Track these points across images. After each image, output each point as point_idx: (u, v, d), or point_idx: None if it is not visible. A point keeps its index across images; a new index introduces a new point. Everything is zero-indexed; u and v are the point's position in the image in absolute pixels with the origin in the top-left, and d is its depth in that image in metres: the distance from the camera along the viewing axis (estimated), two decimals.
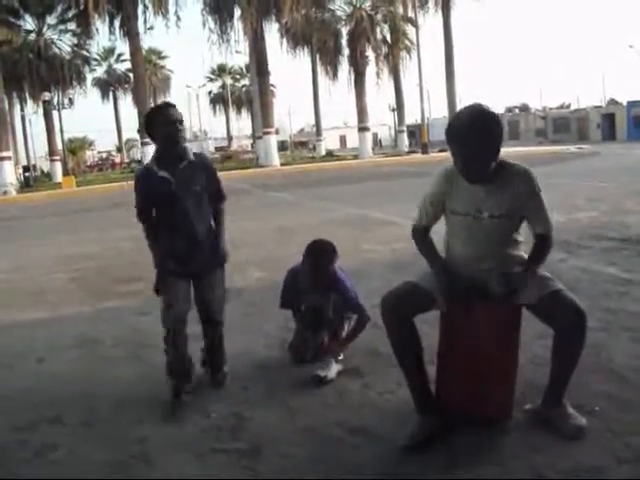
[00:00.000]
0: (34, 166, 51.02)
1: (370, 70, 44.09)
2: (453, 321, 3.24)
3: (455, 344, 3.25)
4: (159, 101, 66.45)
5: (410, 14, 42.39)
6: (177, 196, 3.93)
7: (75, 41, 42.26)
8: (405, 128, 51.52)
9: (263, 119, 37.25)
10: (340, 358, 4.20)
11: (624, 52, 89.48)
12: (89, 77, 49.71)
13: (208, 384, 4.15)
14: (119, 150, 68.98)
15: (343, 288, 4.37)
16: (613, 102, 65.45)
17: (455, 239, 3.32)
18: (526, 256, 3.29)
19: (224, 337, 4.27)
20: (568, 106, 74.69)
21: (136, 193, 4.06)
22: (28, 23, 41.62)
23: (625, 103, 53.96)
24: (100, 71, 61.26)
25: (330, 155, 48.56)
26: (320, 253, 4.34)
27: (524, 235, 3.33)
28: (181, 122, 3.94)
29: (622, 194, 12.71)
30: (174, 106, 4.02)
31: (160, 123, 3.89)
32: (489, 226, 3.16)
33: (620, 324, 4.63)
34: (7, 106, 42.92)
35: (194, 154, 4.06)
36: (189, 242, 4.00)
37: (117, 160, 62.74)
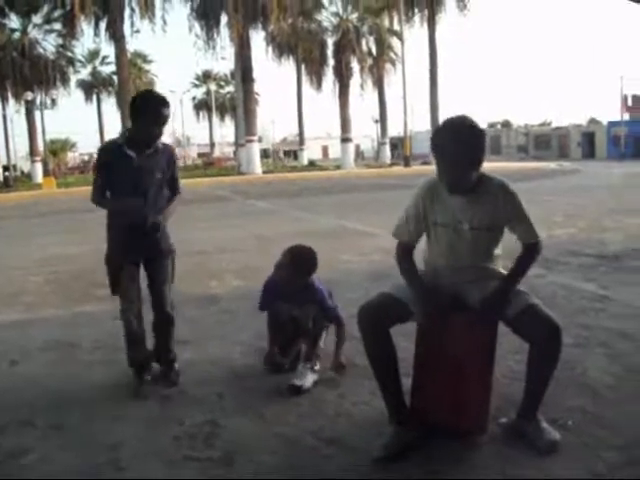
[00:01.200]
0: (14, 166, 50.54)
1: (354, 81, 44.40)
2: (429, 333, 3.25)
3: (431, 356, 3.26)
4: None
5: (396, 27, 42.76)
6: (138, 178, 3.99)
7: (60, 42, 42.10)
8: (388, 140, 51.81)
9: (246, 127, 37.25)
10: (317, 368, 4.18)
11: (605, 72, 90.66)
12: (73, 78, 49.56)
13: (178, 388, 4.13)
14: None
15: (321, 298, 4.37)
16: (593, 121, 66.27)
17: (435, 250, 3.33)
18: (503, 271, 3.32)
19: (174, 332, 4.34)
20: (549, 124, 75.54)
21: (98, 167, 4.13)
22: (13, 22, 41.41)
23: (605, 123, 54.70)
24: (84, 73, 60.99)
25: (312, 165, 48.65)
26: (304, 262, 4.31)
27: (502, 249, 3.36)
28: (165, 123, 3.99)
29: (600, 211, 12.85)
30: (168, 103, 4.01)
31: (151, 120, 3.90)
32: (469, 238, 3.18)
33: (595, 340, 4.67)
34: None
35: (162, 143, 4.12)
36: (141, 227, 4.02)
37: None
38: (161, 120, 3.92)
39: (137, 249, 4.14)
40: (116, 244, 4.17)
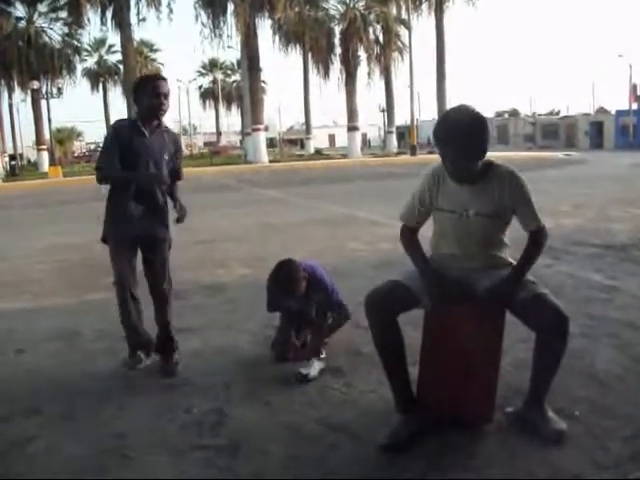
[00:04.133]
0: (20, 155, 50.64)
1: (361, 70, 44.20)
2: (437, 321, 3.24)
3: (438, 344, 3.25)
4: None
5: (403, 16, 42.56)
6: (151, 153, 4.11)
7: (66, 30, 42.04)
8: (394, 129, 51.60)
9: (253, 116, 37.18)
10: (323, 356, 4.18)
11: (614, 61, 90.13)
12: (79, 67, 49.51)
13: (192, 377, 4.14)
14: None
15: (324, 287, 4.35)
16: (602, 110, 65.89)
17: (441, 238, 3.32)
18: (511, 260, 3.30)
19: (171, 313, 4.40)
20: (557, 113, 75.14)
21: (111, 139, 4.12)
22: (19, 10, 41.37)
23: (614, 112, 54.38)
24: (90, 61, 60.90)
25: (319, 153, 48.57)
26: (286, 278, 4.26)
27: (510, 239, 3.34)
28: (166, 96, 4.08)
29: (607, 201, 12.81)
30: (164, 79, 4.17)
31: (150, 93, 4.03)
32: (475, 225, 3.17)
33: (602, 330, 4.65)
34: None
35: (167, 129, 4.32)
36: (146, 203, 4.17)
37: None
38: (160, 91, 4.03)
39: (137, 224, 4.17)
40: (114, 218, 4.21)
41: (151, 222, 4.21)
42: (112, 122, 4.43)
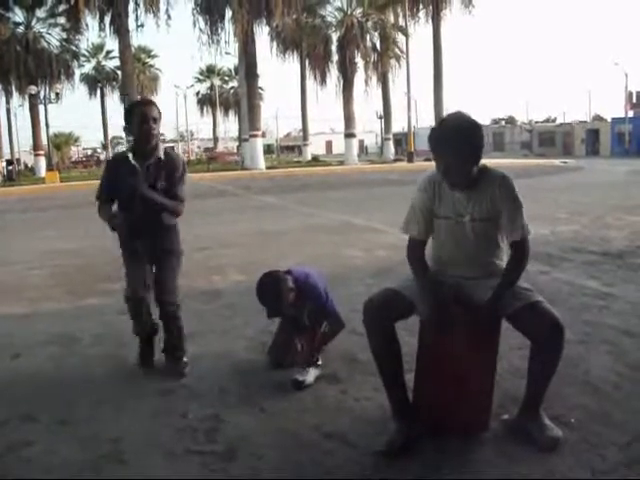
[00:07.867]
0: (18, 160, 50.57)
1: (359, 77, 44.29)
2: (432, 328, 3.23)
3: (434, 352, 3.25)
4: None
5: (401, 23, 42.68)
6: (142, 189, 4.15)
7: (64, 36, 42.10)
8: (392, 136, 51.69)
9: (250, 122, 37.22)
10: (319, 363, 4.18)
11: (610, 69, 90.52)
12: (77, 73, 49.54)
13: (181, 380, 4.15)
14: (104, 147, 68.61)
15: (317, 295, 4.30)
16: (598, 118, 66.13)
17: (439, 244, 3.33)
18: None
19: (181, 328, 4.39)
20: (554, 120, 75.38)
21: (105, 174, 4.36)
22: (17, 15, 41.43)
23: (610, 119, 54.62)
24: (88, 67, 61.02)
25: (316, 160, 48.63)
26: (268, 295, 4.19)
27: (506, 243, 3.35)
28: (155, 120, 4.14)
29: (603, 209, 12.83)
30: (153, 103, 4.26)
31: (138, 119, 4.11)
32: (471, 230, 3.18)
33: (599, 337, 4.66)
34: None
35: (166, 152, 4.28)
36: (149, 236, 4.27)
37: (102, 157, 62.38)
38: (148, 116, 4.09)
39: (142, 248, 4.30)
40: (124, 235, 4.33)
41: (155, 239, 4.28)
42: (108, 135, 4.55)
